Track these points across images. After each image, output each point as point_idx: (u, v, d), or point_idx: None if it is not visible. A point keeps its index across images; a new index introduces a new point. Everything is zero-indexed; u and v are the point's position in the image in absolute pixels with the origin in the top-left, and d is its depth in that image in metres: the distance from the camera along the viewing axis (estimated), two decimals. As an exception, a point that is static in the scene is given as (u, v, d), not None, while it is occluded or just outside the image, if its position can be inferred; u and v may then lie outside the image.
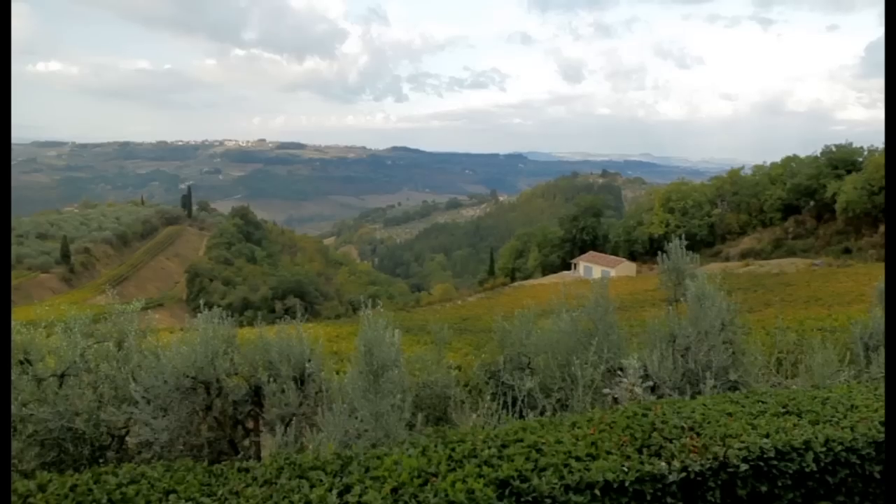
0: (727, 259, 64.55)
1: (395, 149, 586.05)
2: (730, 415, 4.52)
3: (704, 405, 4.75)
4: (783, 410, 4.65)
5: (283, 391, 5.74)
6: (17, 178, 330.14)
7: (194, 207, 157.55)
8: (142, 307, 6.67)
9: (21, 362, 5.56)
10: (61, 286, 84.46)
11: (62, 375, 5.71)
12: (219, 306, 6.54)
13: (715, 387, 6.05)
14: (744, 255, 64.35)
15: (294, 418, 5.67)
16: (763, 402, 4.81)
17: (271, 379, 5.79)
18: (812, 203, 68.89)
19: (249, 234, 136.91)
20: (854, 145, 69.90)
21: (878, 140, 68.73)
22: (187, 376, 5.59)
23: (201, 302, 6.69)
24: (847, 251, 56.69)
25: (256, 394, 6.05)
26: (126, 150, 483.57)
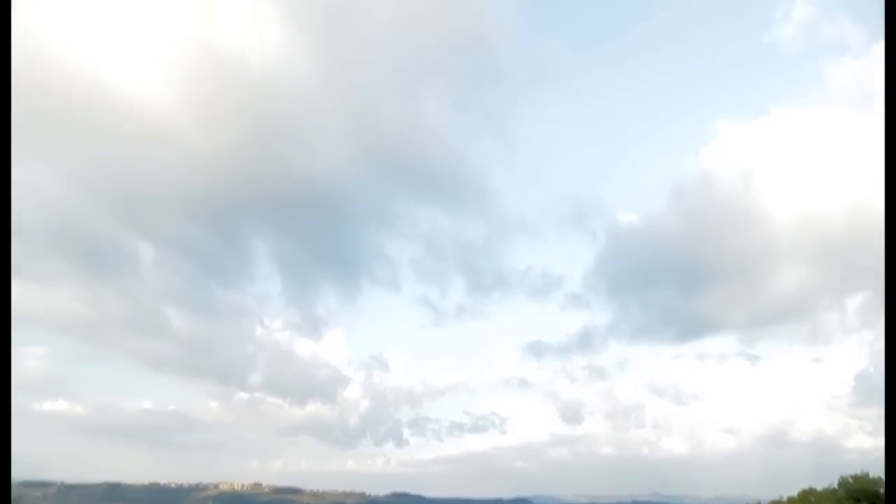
0: None
1: (395, 494, 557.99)
2: None
3: None
4: None
5: None
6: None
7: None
8: None
9: None
10: None
11: None
12: None
13: None
14: None
15: None
16: None
17: None
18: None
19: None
20: (870, 475, 66.08)
21: (894, 470, 71.21)
22: None
23: None
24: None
25: None
26: (115, 492, 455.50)
